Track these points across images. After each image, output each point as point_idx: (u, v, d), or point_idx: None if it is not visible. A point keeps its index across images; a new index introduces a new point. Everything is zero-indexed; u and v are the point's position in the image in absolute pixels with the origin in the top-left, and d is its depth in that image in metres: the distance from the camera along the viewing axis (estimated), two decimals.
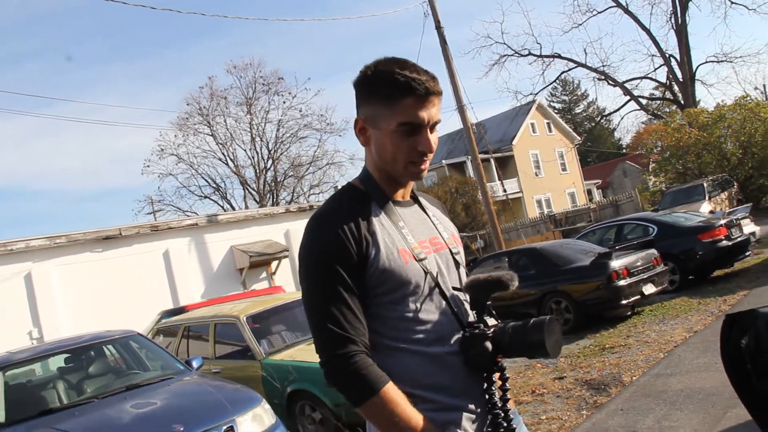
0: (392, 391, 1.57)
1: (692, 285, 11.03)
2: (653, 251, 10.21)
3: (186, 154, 38.39)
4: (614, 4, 34.92)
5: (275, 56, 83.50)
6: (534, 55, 35.68)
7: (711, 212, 17.22)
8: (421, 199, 1.91)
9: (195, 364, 6.57)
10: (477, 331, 1.69)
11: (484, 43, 58.35)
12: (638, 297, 9.48)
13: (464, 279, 1.84)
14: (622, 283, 9.26)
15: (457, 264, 1.84)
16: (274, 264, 17.59)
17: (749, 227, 13.63)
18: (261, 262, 17.01)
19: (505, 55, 36.03)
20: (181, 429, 4.86)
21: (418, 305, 1.67)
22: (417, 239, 1.74)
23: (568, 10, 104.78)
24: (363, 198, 1.73)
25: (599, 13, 36.16)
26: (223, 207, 39.07)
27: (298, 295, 8.83)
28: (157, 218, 35.11)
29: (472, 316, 1.77)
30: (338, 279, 1.60)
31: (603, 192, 50.74)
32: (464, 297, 1.80)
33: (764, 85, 45.59)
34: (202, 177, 39.46)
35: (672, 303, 9.91)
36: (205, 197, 40.12)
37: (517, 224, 32.91)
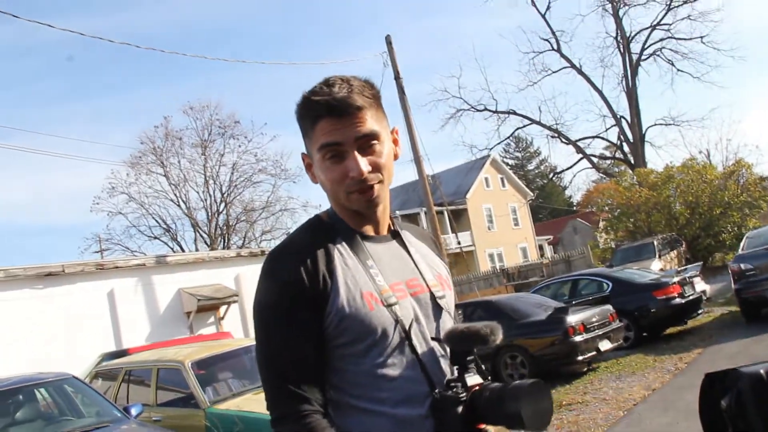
0: None
1: (646, 342, 10.98)
2: (609, 307, 10.15)
3: (137, 193, 37.48)
4: (568, 65, 35.91)
5: (233, 100, 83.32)
6: (489, 110, 36.36)
7: (661, 270, 17.42)
8: (404, 233, 1.64)
9: (134, 411, 6.17)
10: (449, 392, 1.43)
11: (441, 97, 58.85)
12: (594, 353, 9.39)
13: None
14: (578, 338, 9.15)
15: (439, 310, 1.57)
16: (223, 309, 17.10)
17: (700, 285, 13.78)
18: (209, 306, 16.52)
19: (461, 110, 36.60)
20: None
21: (384, 359, 1.43)
22: (389, 281, 1.48)
23: (524, 69, 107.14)
24: (328, 231, 1.50)
25: (554, 72, 37.25)
26: (172, 249, 38.11)
27: (247, 342, 8.49)
28: (104, 257, 34.07)
29: (451, 373, 1.51)
30: (292, 325, 1.38)
31: (554, 248, 51.36)
32: (442, 350, 1.53)
33: (707, 150, 47.12)
34: (153, 217, 38.54)
35: (627, 360, 9.82)
36: (155, 238, 39.15)
37: (469, 277, 32.88)
